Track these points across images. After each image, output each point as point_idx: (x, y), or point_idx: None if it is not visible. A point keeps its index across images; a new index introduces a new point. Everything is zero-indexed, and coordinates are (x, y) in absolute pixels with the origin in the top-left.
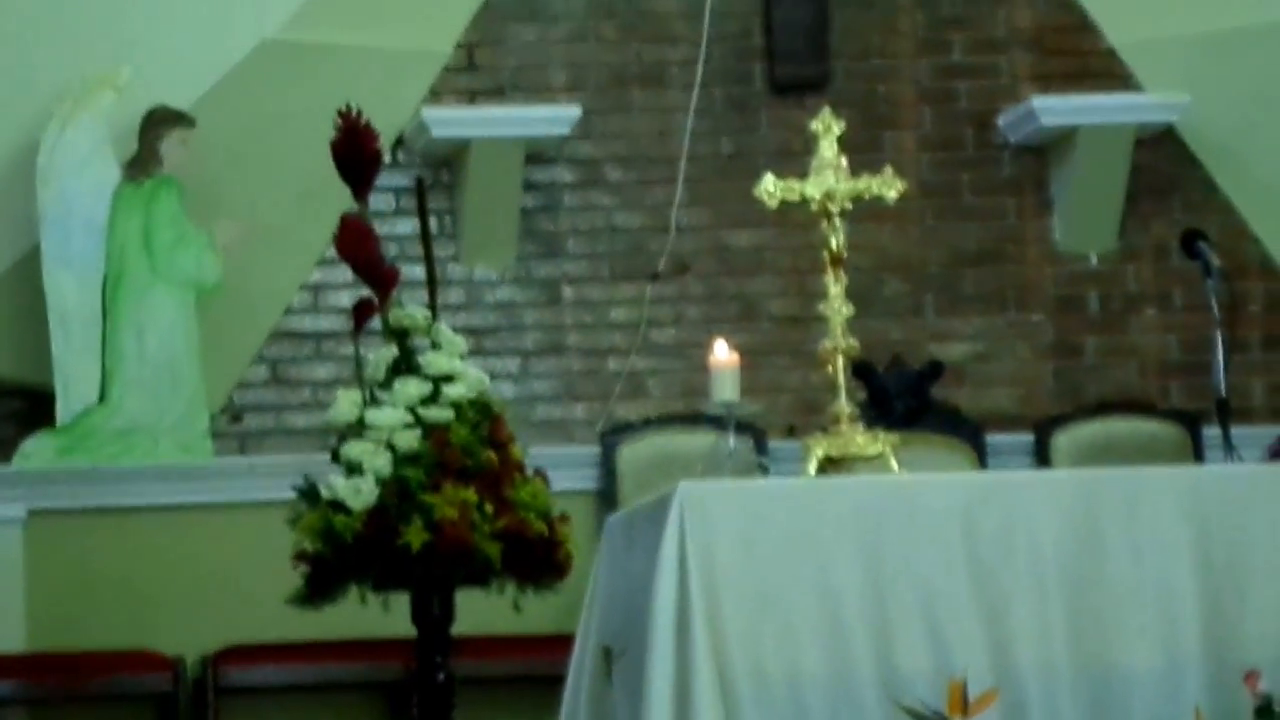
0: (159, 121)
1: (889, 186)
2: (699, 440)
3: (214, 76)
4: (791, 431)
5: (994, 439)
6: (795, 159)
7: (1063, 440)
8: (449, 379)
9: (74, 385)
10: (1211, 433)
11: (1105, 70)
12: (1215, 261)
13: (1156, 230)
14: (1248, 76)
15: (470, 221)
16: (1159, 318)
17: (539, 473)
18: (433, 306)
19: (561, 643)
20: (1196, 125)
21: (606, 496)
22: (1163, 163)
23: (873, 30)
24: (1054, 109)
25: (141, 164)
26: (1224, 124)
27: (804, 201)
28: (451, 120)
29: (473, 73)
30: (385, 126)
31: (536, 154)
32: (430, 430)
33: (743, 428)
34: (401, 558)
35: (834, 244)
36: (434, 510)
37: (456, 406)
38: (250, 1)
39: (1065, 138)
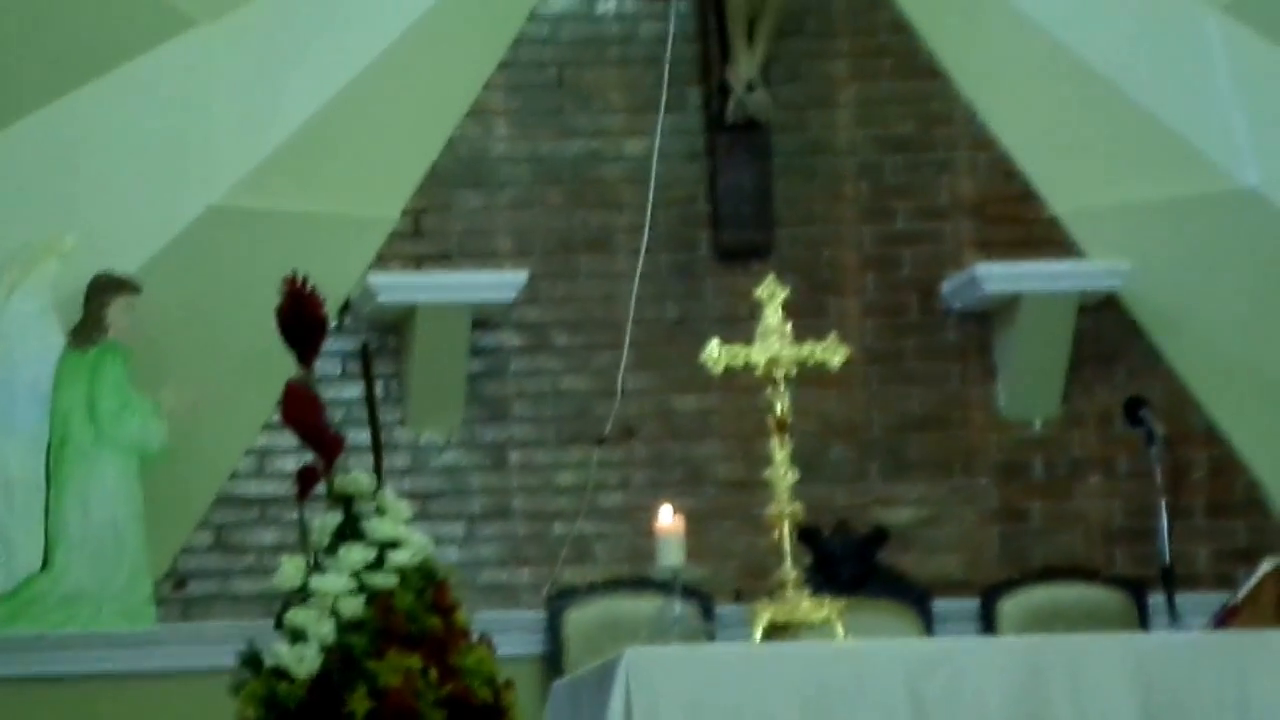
0: (104, 288)
1: (833, 352)
2: (645, 605)
3: (160, 242)
4: (738, 596)
5: (940, 605)
6: (740, 324)
7: (1009, 606)
8: (393, 545)
9: (17, 552)
10: (1157, 599)
11: (1048, 237)
12: (1158, 429)
13: (1100, 397)
14: (1189, 244)
15: (416, 386)
16: (1103, 484)
17: (484, 638)
18: (378, 472)
19: None
20: (1139, 292)
21: (553, 662)
22: (1106, 330)
23: (817, 197)
24: (997, 276)
25: (86, 331)
26: (1166, 291)
27: (749, 367)
28: (398, 286)
29: (419, 239)
30: (332, 292)
31: (483, 319)
32: (375, 596)
33: (689, 593)
34: None
35: (779, 409)
36: (378, 677)
37: (401, 572)
38: (197, 167)
39: (1009, 304)
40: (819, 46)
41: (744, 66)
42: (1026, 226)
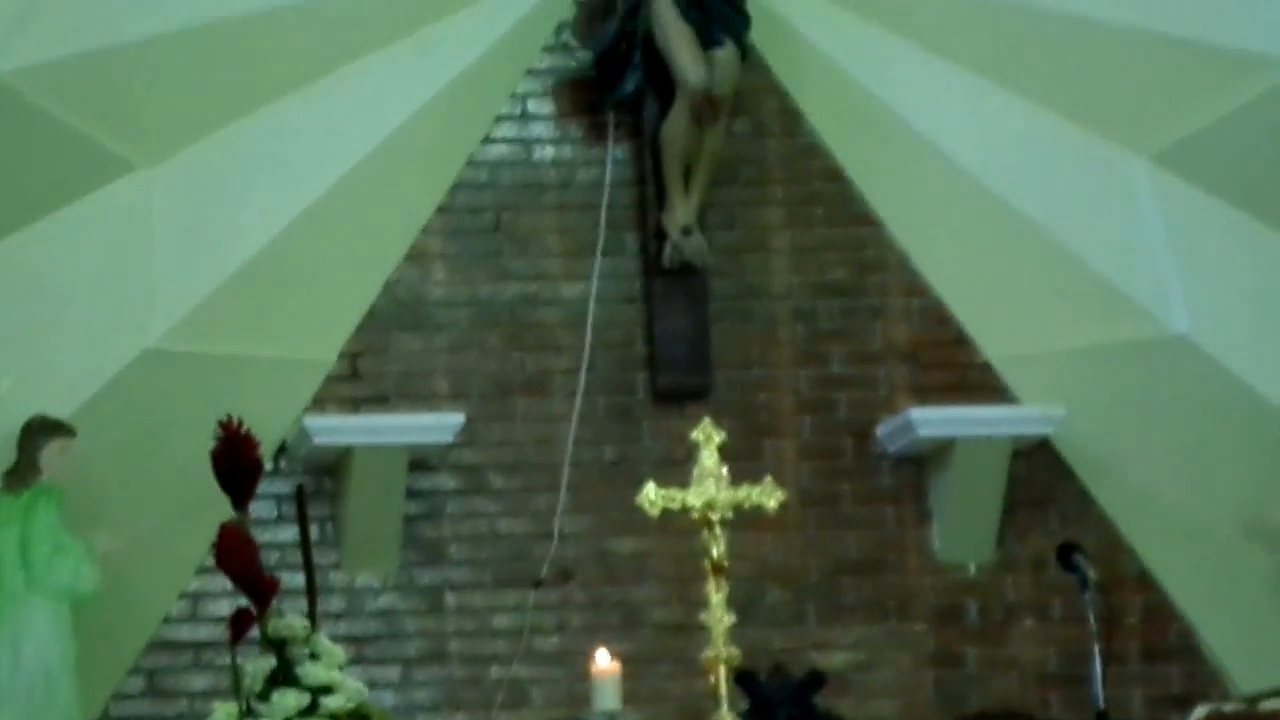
0: (38, 431)
1: (769, 496)
2: None
3: (95, 385)
4: None
5: None
6: (677, 467)
7: None
8: (327, 690)
9: None
10: None
11: (981, 383)
12: (1091, 574)
13: (1034, 542)
14: (1121, 390)
15: (352, 529)
16: (1038, 629)
17: None
18: (312, 616)
19: None
20: (1072, 438)
21: None
22: (1039, 474)
23: (753, 341)
24: (931, 420)
25: (20, 474)
26: (1099, 437)
27: (685, 510)
28: (334, 428)
29: (357, 381)
30: (267, 434)
31: (420, 461)
32: None
33: None
34: None
35: (715, 553)
36: None
37: (335, 718)
38: (134, 311)
39: (943, 449)
40: (754, 194)
41: (680, 212)
42: (960, 371)
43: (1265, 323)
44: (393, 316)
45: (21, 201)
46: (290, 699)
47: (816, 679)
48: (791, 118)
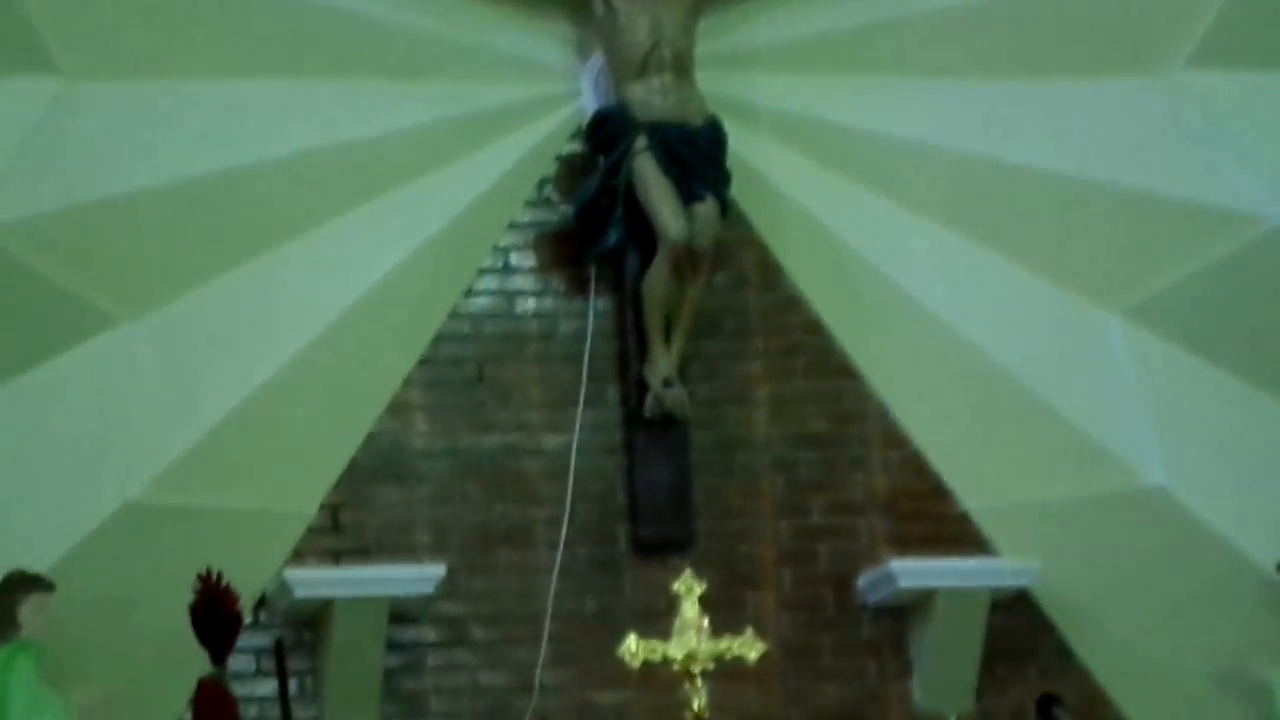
0: (16, 586)
1: (750, 647)
2: None
3: (75, 539)
4: None
5: None
6: (658, 618)
7: None
8: None
9: None
10: None
11: (960, 534)
12: None
13: (1013, 694)
14: (1100, 543)
15: (332, 681)
16: None
17: None
18: None
19: None
20: (1051, 590)
21: None
22: (1019, 626)
23: (734, 492)
24: (912, 572)
25: None
26: (1077, 589)
27: (667, 662)
28: (314, 580)
29: (337, 533)
30: (247, 587)
31: (400, 613)
32: None
33: None
34: None
35: (696, 704)
36: None
37: None
38: (114, 464)
39: (924, 600)
40: (735, 346)
41: (661, 364)
42: (939, 523)
43: (1241, 476)
44: (374, 468)
45: (2, 356)
46: None
47: None
48: (771, 271)
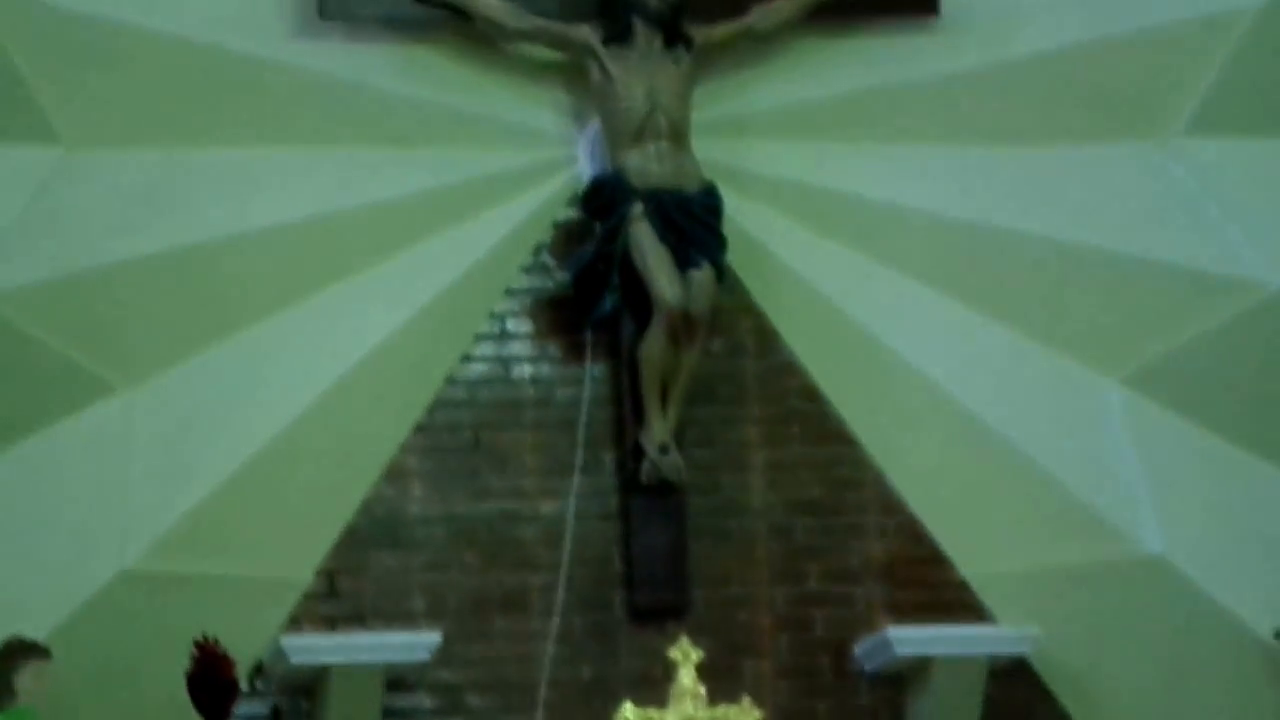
0: (13, 653)
1: (747, 715)
2: None
3: (71, 606)
4: None
5: None
6: (655, 686)
7: None
8: None
9: None
10: None
11: (958, 601)
12: None
13: None
14: (1098, 610)
15: None
16: None
17: None
18: None
19: None
20: (1049, 657)
21: None
22: (1017, 694)
23: (730, 559)
24: (909, 639)
25: None
26: (1076, 657)
27: None
28: (310, 647)
29: (333, 600)
30: (244, 654)
31: (397, 680)
32: None
33: None
34: None
35: None
36: None
37: None
38: (110, 531)
39: (921, 668)
40: (731, 412)
41: (658, 430)
42: (936, 590)
43: (1239, 544)
44: (370, 535)
45: (1, 422)
46: None
47: None
48: (767, 337)
